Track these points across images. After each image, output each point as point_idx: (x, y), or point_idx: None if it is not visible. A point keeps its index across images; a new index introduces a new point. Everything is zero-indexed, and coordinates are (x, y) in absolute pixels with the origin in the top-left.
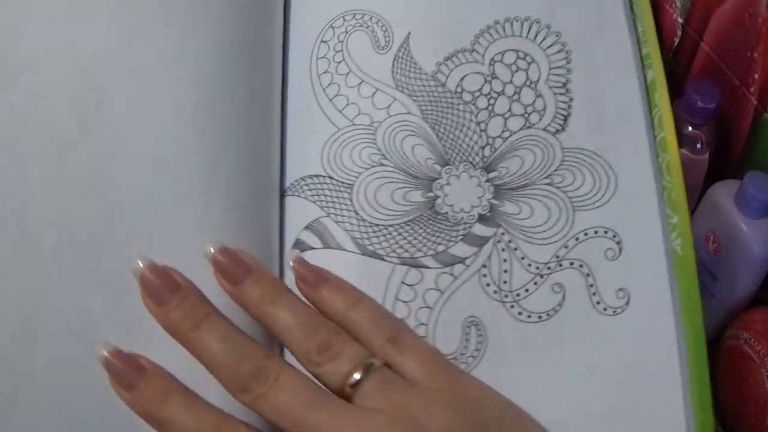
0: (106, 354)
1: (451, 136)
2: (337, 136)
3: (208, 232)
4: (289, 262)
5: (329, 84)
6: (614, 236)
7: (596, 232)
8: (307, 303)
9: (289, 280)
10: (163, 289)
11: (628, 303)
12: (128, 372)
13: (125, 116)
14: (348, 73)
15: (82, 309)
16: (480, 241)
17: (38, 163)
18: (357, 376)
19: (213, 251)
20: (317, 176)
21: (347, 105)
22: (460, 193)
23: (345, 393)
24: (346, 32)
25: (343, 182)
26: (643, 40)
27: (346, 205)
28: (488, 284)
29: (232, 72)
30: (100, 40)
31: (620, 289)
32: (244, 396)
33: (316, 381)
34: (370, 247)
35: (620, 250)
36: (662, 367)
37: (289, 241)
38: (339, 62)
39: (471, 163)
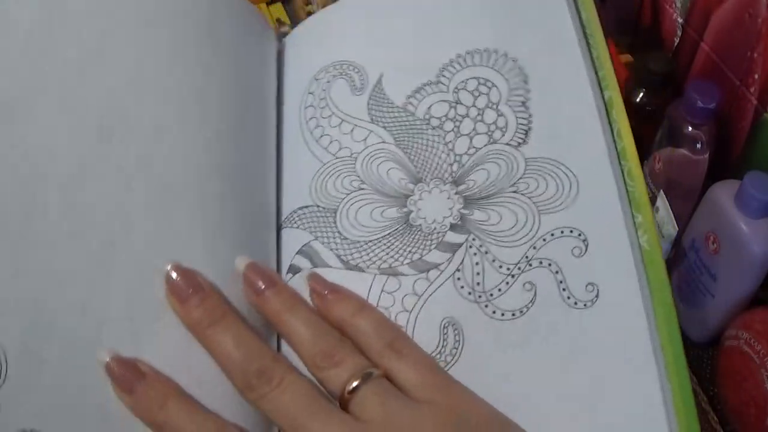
0: (107, 359)
1: (422, 158)
2: (322, 170)
3: (219, 258)
4: (305, 279)
5: (315, 127)
6: (579, 234)
7: (562, 232)
8: (319, 316)
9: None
10: (187, 288)
11: (597, 296)
12: (128, 376)
13: (139, 150)
14: (330, 116)
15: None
16: (453, 248)
17: (58, 189)
18: (355, 383)
19: (242, 267)
20: (306, 207)
21: (330, 142)
22: (431, 206)
23: (343, 398)
24: (328, 82)
25: (327, 208)
26: (598, 63)
27: (330, 227)
28: (462, 286)
29: (236, 122)
30: (120, 81)
31: (589, 284)
32: (250, 394)
33: (319, 387)
34: (352, 262)
35: (586, 247)
36: (636, 354)
37: (285, 266)
38: (323, 108)
39: (441, 179)
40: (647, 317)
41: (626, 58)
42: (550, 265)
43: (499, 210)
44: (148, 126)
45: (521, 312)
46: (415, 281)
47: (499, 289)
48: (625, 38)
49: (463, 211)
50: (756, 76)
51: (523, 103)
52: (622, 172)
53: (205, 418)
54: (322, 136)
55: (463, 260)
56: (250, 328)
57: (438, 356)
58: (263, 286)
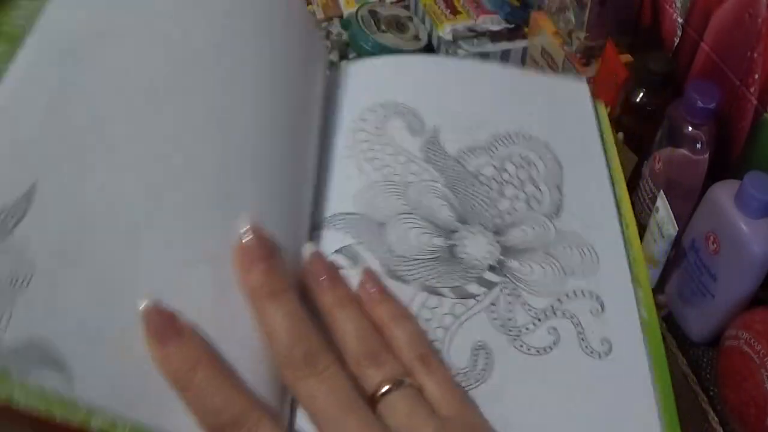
0: (149, 305)
1: (470, 204)
2: (371, 186)
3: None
4: (360, 272)
5: (368, 149)
6: (597, 298)
7: (583, 294)
8: (368, 318)
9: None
10: (256, 254)
11: (610, 350)
12: (164, 329)
13: (202, 142)
14: (386, 145)
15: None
16: (490, 285)
17: (125, 121)
18: (387, 386)
19: (308, 254)
20: (350, 213)
21: (383, 166)
22: (474, 246)
23: (375, 398)
24: (385, 116)
25: (374, 220)
26: (611, 163)
27: (377, 237)
28: (495, 318)
29: (288, 123)
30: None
31: (604, 339)
32: (289, 372)
33: (355, 387)
34: (398, 272)
35: (602, 309)
36: (639, 403)
37: None
38: (379, 136)
39: (484, 226)
40: (651, 379)
41: (626, 58)
42: (572, 317)
43: (532, 265)
44: (212, 102)
45: (545, 351)
46: (455, 304)
47: (527, 328)
48: (625, 38)
49: (501, 257)
50: (756, 76)
51: (558, 187)
52: (628, 258)
53: (235, 392)
54: (374, 158)
55: (498, 297)
56: (306, 312)
57: (467, 374)
58: (323, 277)
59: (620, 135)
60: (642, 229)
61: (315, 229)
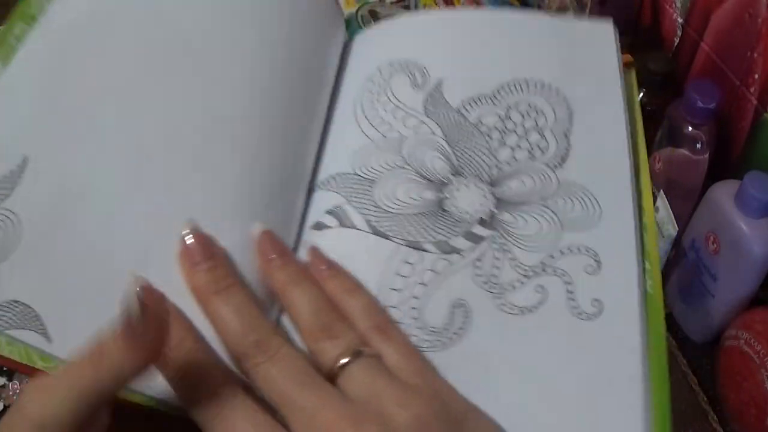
0: (188, 230)
1: (466, 156)
2: (368, 145)
3: (245, 211)
4: (307, 252)
5: (370, 108)
6: (595, 255)
7: (579, 250)
8: (322, 292)
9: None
10: (199, 253)
11: (600, 312)
12: (199, 251)
13: (195, 91)
14: (387, 101)
15: None
16: (477, 239)
17: (116, 105)
18: (346, 359)
19: (257, 234)
20: (345, 174)
21: (382, 123)
22: (466, 198)
23: (333, 372)
24: (391, 74)
25: (366, 178)
26: (634, 128)
27: (366, 195)
28: (479, 275)
29: (292, 87)
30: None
31: (595, 300)
32: (244, 363)
33: (312, 363)
34: (381, 229)
35: (599, 267)
36: (625, 373)
37: (310, 223)
38: (380, 93)
39: (479, 177)
40: (641, 344)
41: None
42: (563, 275)
43: (527, 217)
44: (209, 66)
45: (529, 310)
46: (437, 260)
47: (513, 286)
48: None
49: (493, 209)
50: (756, 76)
51: (566, 135)
52: (639, 226)
53: (260, 317)
54: (375, 117)
55: (484, 252)
56: (255, 301)
57: (443, 333)
58: (273, 256)
59: None
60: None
61: (312, 191)
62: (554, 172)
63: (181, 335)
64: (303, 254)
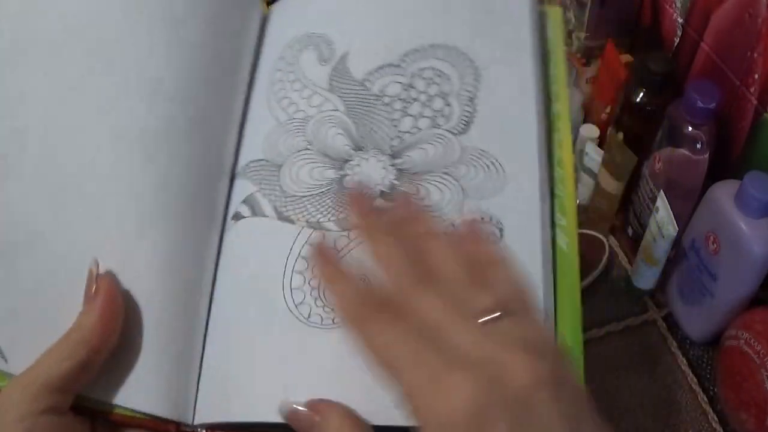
0: (314, 243)
1: (368, 129)
2: (277, 128)
3: (168, 212)
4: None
5: (280, 89)
6: (498, 223)
7: (482, 218)
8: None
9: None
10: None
11: None
12: (363, 200)
13: (100, 98)
14: (295, 80)
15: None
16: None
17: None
18: (496, 313)
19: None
20: (258, 160)
21: (290, 104)
22: (367, 173)
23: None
24: (300, 50)
25: (274, 163)
26: (553, 79)
27: (274, 180)
28: None
29: (203, 77)
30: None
31: None
32: (402, 294)
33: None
34: (285, 213)
35: (501, 235)
36: None
37: (231, 213)
38: (290, 72)
39: (380, 150)
40: (546, 315)
41: (626, 58)
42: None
43: (428, 186)
44: (110, 73)
45: None
46: (338, 237)
47: None
48: (625, 38)
49: (394, 181)
50: (756, 76)
51: (471, 99)
52: (555, 179)
53: (390, 248)
54: (283, 98)
55: None
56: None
57: None
58: (407, 209)
59: (620, 135)
60: (642, 229)
61: (234, 178)
62: (457, 138)
63: (363, 291)
64: (227, 246)
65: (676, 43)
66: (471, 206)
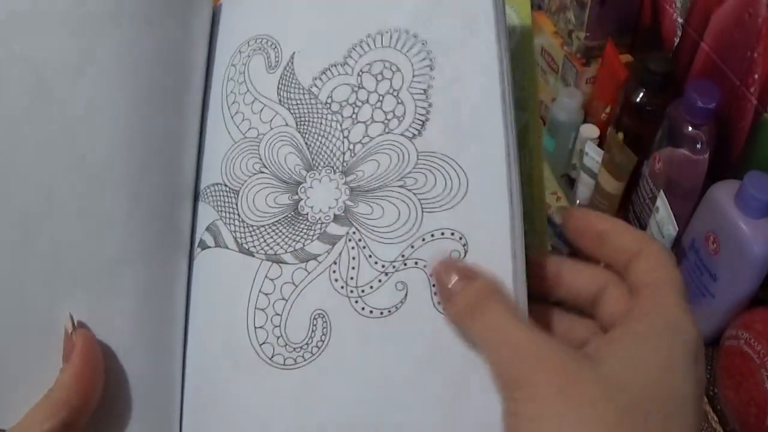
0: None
1: (318, 144)
2: (233, 148)
3: (135, 226)
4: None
5: (233, 102)
6: (461, 238)
7: (443, 234)
8: None
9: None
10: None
11: None
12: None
13: (68, 114)
14: (246, 93)
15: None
16: (333, 240)
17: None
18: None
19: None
20: (217, 184)
21: (243, 120)
22: (320, 195)
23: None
24: (249, 56)
25: (232, 189)
26: (522, 57)
27: (233, 208)
28: (336, 279)
29: (156, 91)
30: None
31: None
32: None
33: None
34: (245, 245)
35: (465, 252)
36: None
37: (197, 240)
38: (240, 83)
39: (332, 167)
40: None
41: (626, 58)
42: (425, 266)
43: (383, 204)
44: (63, 97)
45: (389, 312)
46: (295, 270)
47: (371, 287)
48: (625, 38)
49: (348, 202)
50: (756, 76)
51: (425, 91)
52: (522, 165)
53: None
54: (236, 113)
55: (341, 253)
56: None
57: (306, 347)
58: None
59: (620, 135)
60: (642, 229)
61: (197, 200)
62: (412, 142)
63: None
64: (196, 278)
65: (676, 43)
66: (431, 222)
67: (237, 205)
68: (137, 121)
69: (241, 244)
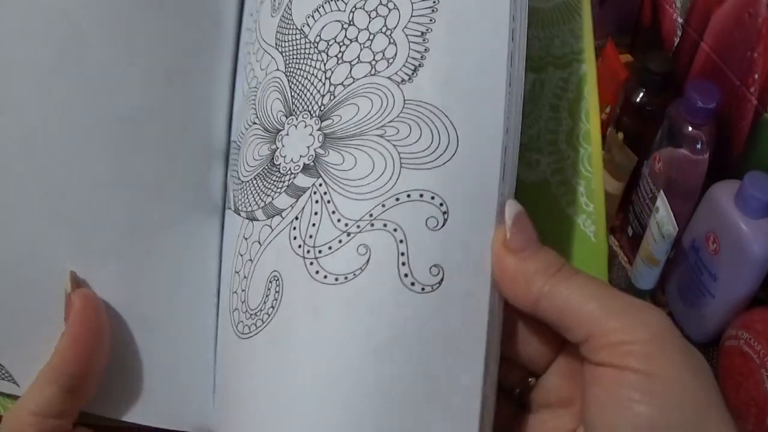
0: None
1: (300, 86)
2: (241, 104)
3: (173, 189)
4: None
5: (246, 53)
6: (441, 204)
7: (421, 196)
8: None
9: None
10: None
11: (440, 283)
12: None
13: (83, 83)
14: (254, 42)
15: None
16: (298, 192)
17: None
18: None
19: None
20: (232, 142)
21: (250, 71)
22: (294, 143)
23: None
24: (261, 2)
25: (238, 146)
26: (579, 14)
27: (235, 166)
28: (295, 237)
29: (186, 55)
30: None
31: (434, 265)
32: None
33: None
34: (237, 204)
35: (444, 221)
36: (467, 362)
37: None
38: (252, 31)
39: (310, 112)
40: (489, 324)
41: (626, 58)
42: (395, 230)
43: (356, 154)
44: (96, 58)
45: (345, 278)
46: (262, 227)
47: (330, 247)
48: (625, 38)
49: (319, 150)
50: (756, 76)
51: (423, 34)
52: (582, 158)
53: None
54: (247, 64)
55: (303, 208)
56: None
57: (259, 313)
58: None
59: (620, 135)
60: (642, 229)
61: (226, 162)
62: (400, 88)
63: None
64: (228, 238)
65: (676, 43)
66: (409, 180)
67: (238, 162)
68: (169, 78)
69: (235, 203)
